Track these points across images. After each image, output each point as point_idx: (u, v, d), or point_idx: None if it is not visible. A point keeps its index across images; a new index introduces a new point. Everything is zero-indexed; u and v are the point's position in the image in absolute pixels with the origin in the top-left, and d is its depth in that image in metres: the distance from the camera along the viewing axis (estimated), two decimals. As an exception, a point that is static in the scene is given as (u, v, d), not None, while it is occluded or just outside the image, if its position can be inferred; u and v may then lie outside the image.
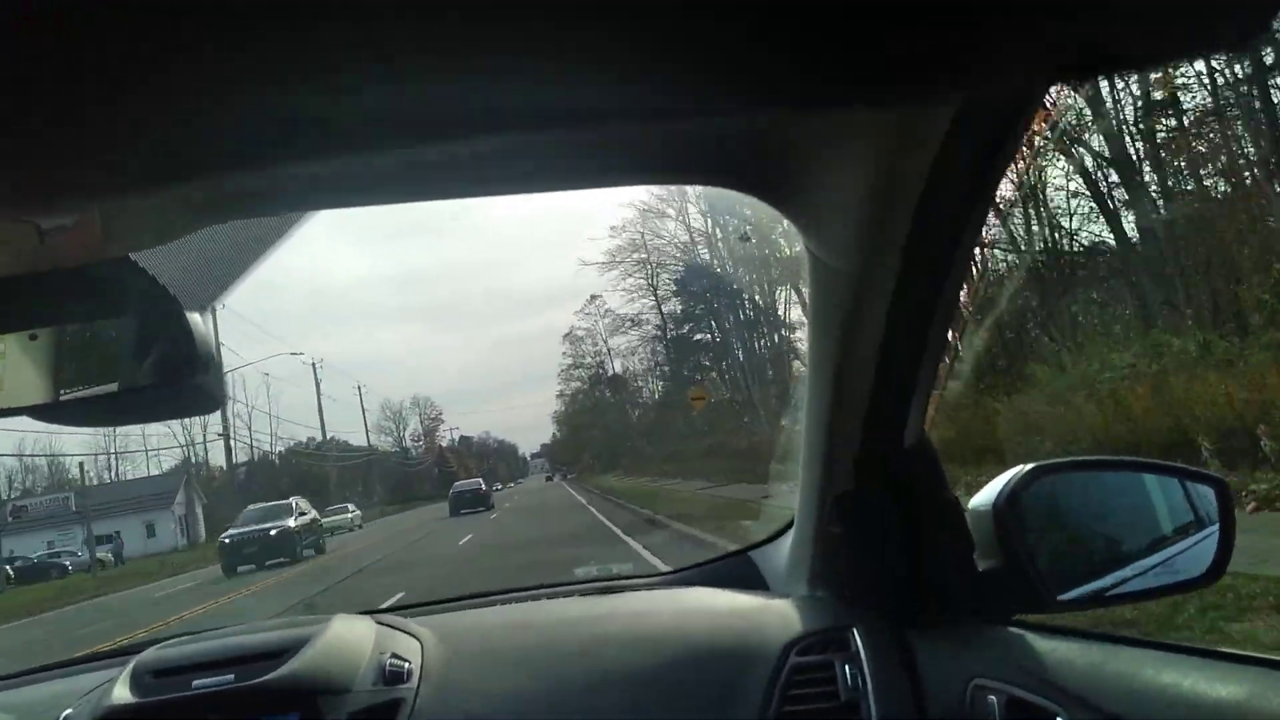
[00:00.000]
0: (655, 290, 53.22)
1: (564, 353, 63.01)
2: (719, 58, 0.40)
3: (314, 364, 52.64)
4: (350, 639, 1.64)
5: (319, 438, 64.81)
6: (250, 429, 57.00)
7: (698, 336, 53.87)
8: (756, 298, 41.89)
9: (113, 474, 57.45)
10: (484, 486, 38.06)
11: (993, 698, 1.27)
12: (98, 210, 0.75)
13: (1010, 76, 0.45)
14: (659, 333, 55.23)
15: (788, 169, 1.12)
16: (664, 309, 53.76)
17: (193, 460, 54.53)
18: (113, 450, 53.24)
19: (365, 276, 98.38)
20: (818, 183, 1.14)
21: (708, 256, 48.91)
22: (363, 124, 0.41)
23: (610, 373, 61.50)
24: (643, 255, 51.00)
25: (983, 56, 0.41)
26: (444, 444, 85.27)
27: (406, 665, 1.59)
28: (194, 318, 1.04)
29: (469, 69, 0.40)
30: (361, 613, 1.82)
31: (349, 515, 37.28)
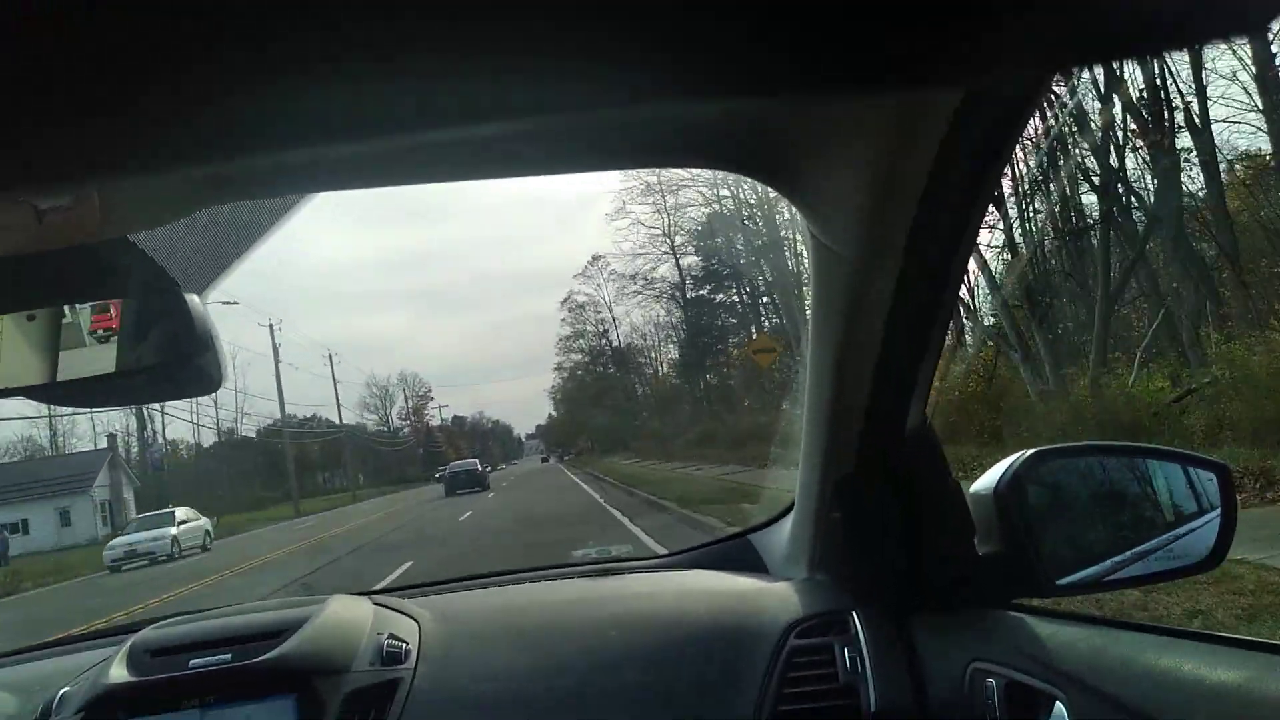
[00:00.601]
0: (672, 239, 47.69)
1: (563, 320, 57.86)
2: (721, 50, 0.40)
3: (270, 325, 45.31)
4: (348, 619, 1.64)
5: (300, 415, 61.41)
6: (216, 405, 53.39)
7: (719, 297, 48.22)
8: (800, 247, 30.30)
9: (53, 447, 51.98)
10: (480, 466, 37.92)
11: (991, 681, 1.27)
12: (95, 191, 0.75)
13: (1012, 67, 0.44)
14: (675, 293, 49.29)
15: (793, 155, 1.12)
16: (681, 264, 47.97)
17: (152, 440, 49.57)
18: (51, 415, 46.05)
19: (359, 259, 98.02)
20: (823, 169, 1.13)
21: (733, 205, 41.71)
22: (365, 111, 0.40)
23: (614, 344, 56.58)
24: (658, 200, 45.87)
25: (984, 47, 0.41)
26: (433, 422, 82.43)
27: (404, 646, 1.59)
28: (192, 299, 1.03)
29: (473, 58, 0.39)
30: (359, 593, 1.82)
31: (171, 533, 23.64)
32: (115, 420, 49.25)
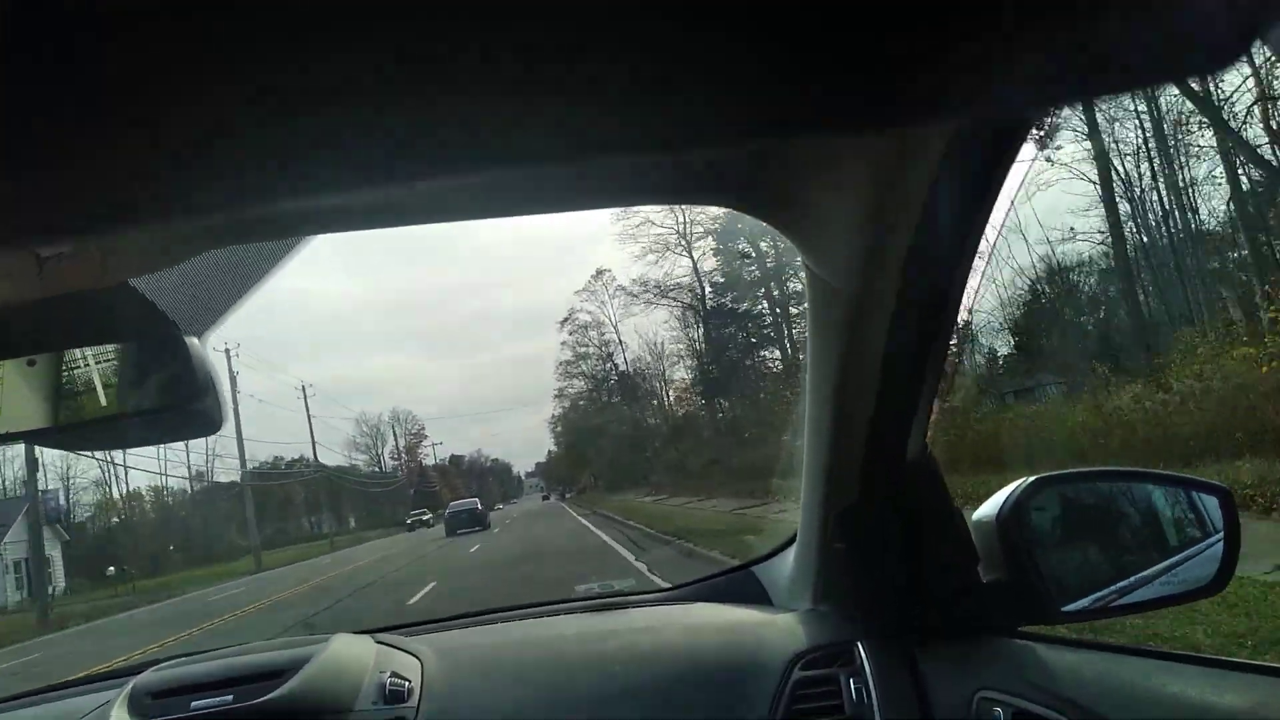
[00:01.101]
0: (687, 239, 42.07)
1: (563, 343, 52.14)
2: (718, 89, 0.40)
3: (226, 350, 39.18)
4: (350, 658, 1.63)
5: (288, 457, 59.12)
6: (187, 448, 49.68)
7: (744, 306, 42.18)
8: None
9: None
10: (480, 505, 37.56)
11: (999, 710, 1.26)
12: (95, 240, 0.75)
13: (1005, 101, 0.45)
14: (693, 300, 42.88)
15: (788, 189, 1.13)
16: (699, 268, 42.58)
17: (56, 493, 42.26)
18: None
19: (355, 301, 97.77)
20: (817, 202, 1.14)
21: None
22: (366, 157, 0.41)
23: (620, 367, 50.67)
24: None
25: (977, 83, 0.41)
26: (427, 461, 79.13)
27: (407, 684, 1.58)
28: (192, 342, 1.04)
29: (477, 115, 0.40)
30: (361, 632, 1.81)
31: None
32: (55, 461, 42.54)
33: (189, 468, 54.15)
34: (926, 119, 0.49)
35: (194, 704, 1.50)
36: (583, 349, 52.53)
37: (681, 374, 48.24)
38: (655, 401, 50.38)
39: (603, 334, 50.88)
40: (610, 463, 52.78)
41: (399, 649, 1.72)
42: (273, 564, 37.18)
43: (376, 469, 76.12)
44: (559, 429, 59.42)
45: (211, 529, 53.63)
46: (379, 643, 1.72)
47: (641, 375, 50.51)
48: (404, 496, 72.50)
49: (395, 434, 78.63)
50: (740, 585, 2.03)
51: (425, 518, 50.13)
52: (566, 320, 51.27)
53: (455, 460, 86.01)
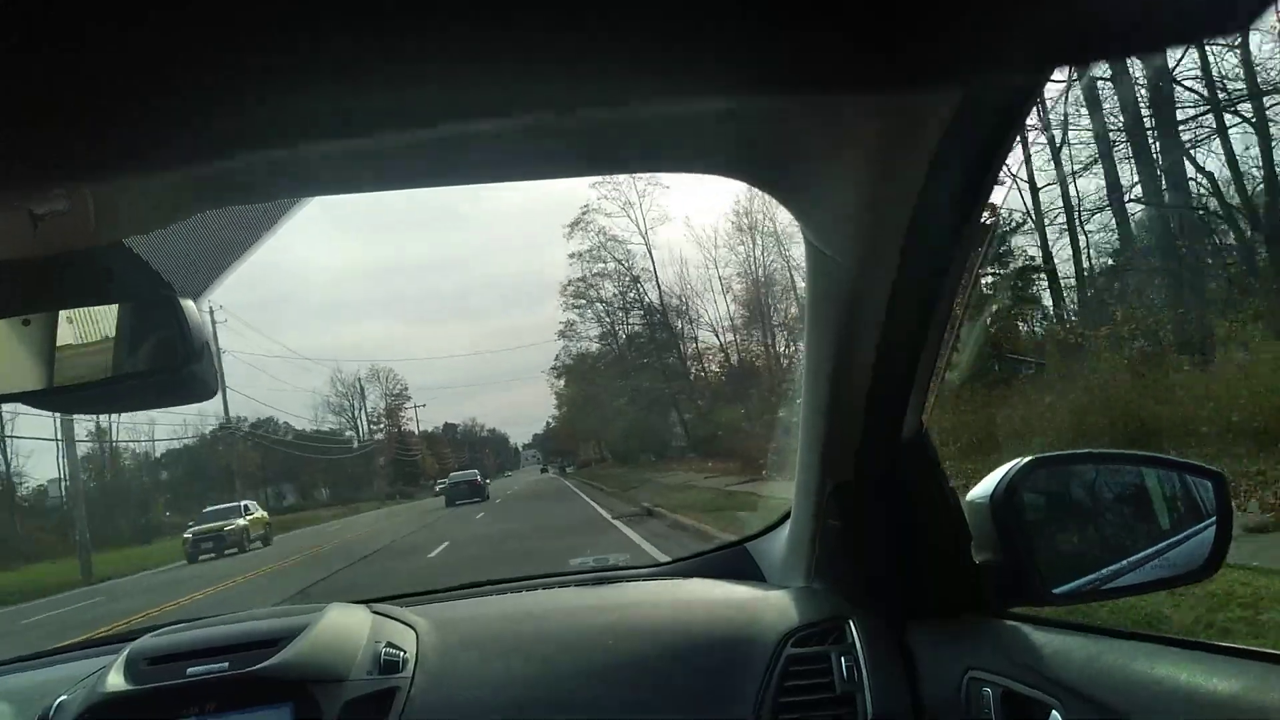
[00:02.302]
0: None
1: (573, 256, 38.42)
2: (719, 49, 0.40)
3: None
4: (345, 628, 1.64)
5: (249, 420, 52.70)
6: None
7: None
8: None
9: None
10: (479, 477, 38.02)
11: (988, 690, 1.27)
12: (90, 196, 0.75)
13: (1009, 64, 0.45)
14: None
15: (788, 160, 1.12)
16: None
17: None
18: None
19: (348, 268, 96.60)
20: (818, 174, 1.14)
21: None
22: (359, 110, 0.40)
23: (646, 300, 38.29)
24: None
25: (980, 45, 0.41)
26: (409, 426, 69.92)
27: (402, 654, 1.59)
28: (188, 305, 1.03)
29: (467, 58, 0.39)
30: (356, 601, 1.82)
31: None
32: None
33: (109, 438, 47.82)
34: (932, 80, 0.48)
35: (190, 670, 1.51)
36: (599, 265, 39.11)
37: (734, 308, 37.39)
38: (694, 346, 38.44)
39: (628, 250, 38.62)
40: (627, 429, 41.90)
41: (394, 619, 1.72)
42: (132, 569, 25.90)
43: (352, 433, 67.19)
44: (562, 381, 46.22)
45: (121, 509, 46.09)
46: (374, 613, 1.73)
47: (677, 311, 39.02)
48: (376, 469, 65.92)
49: (381, 394, 67.78)
50: (734, 561, 2.04)
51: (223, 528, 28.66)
52: (577, 224, 38.48)
53: (449, 428, 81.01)
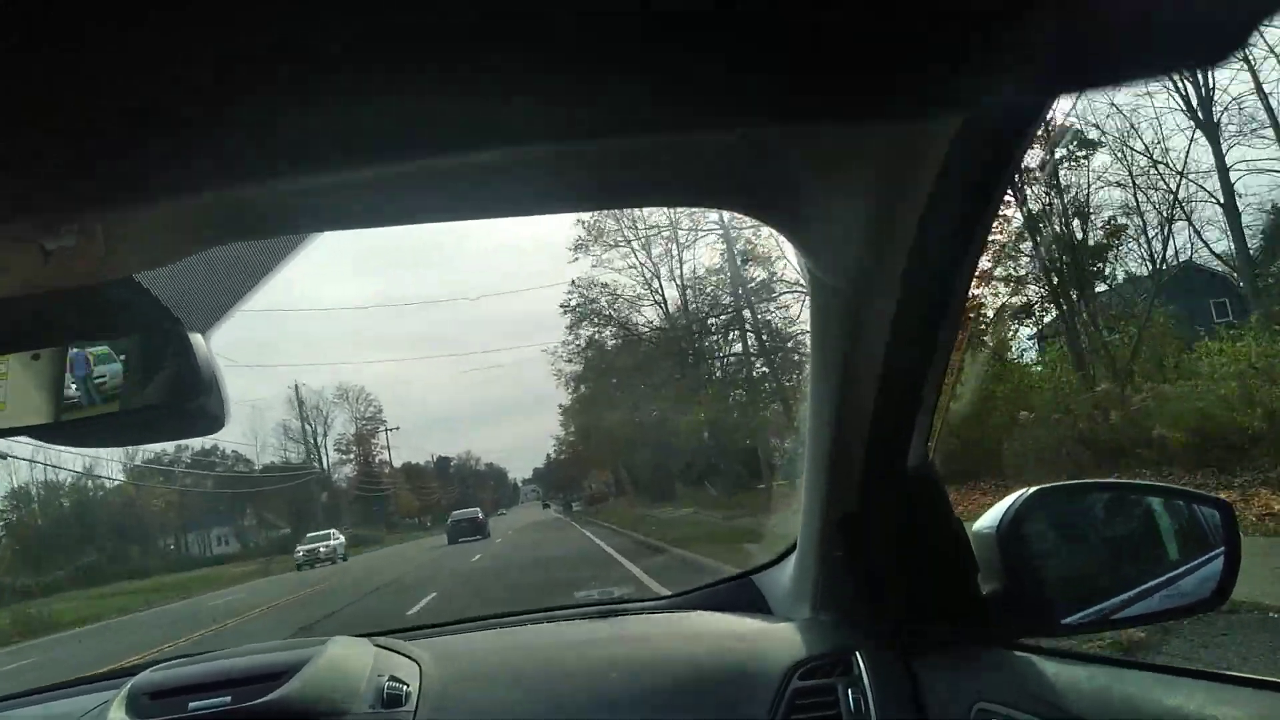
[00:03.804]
0: None
1: (576, 248, 29.33)
2: (720, 76, 0.40)
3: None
4: (348, 661, 1.63)
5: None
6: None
7: None
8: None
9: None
10: (481, 515, 37.74)
11: None
12: (100, 231, 0.76)
13: (1007, 91, 0.45)
14: None
15: (789, 192, 1.13)
16: None
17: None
18: None
19: (347, 303, 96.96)
20: (819, 204, 1.14)
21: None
22: (368, 138, 0.41)
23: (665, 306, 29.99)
24: None
25: (980, 73, 0.41)
26: (380, 456, 59.18)
27: (405, 688, 1.58)
28: (195, 339, 1.04)
29: (473, 90, 0.40)
30: (359, 635, 1.81)
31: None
32: None
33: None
34: (931, 108, 0.49)
35: (192, 705, 1.50)
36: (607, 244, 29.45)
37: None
38: (762, 337, 28.32)
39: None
40: (652, 459, 33.54)
41: (397, 653, 1.71)
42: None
43: (307, 463, 54.59)
44: (578, 391, 36.54)
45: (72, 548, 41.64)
46: (377, 646, 1.72)
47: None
48: (340, 506, 54.02)
49: (318, 423, 54.47)
50: (739, 593, 2.02)
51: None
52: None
53: (442, 462, 73.21)
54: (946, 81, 0.41)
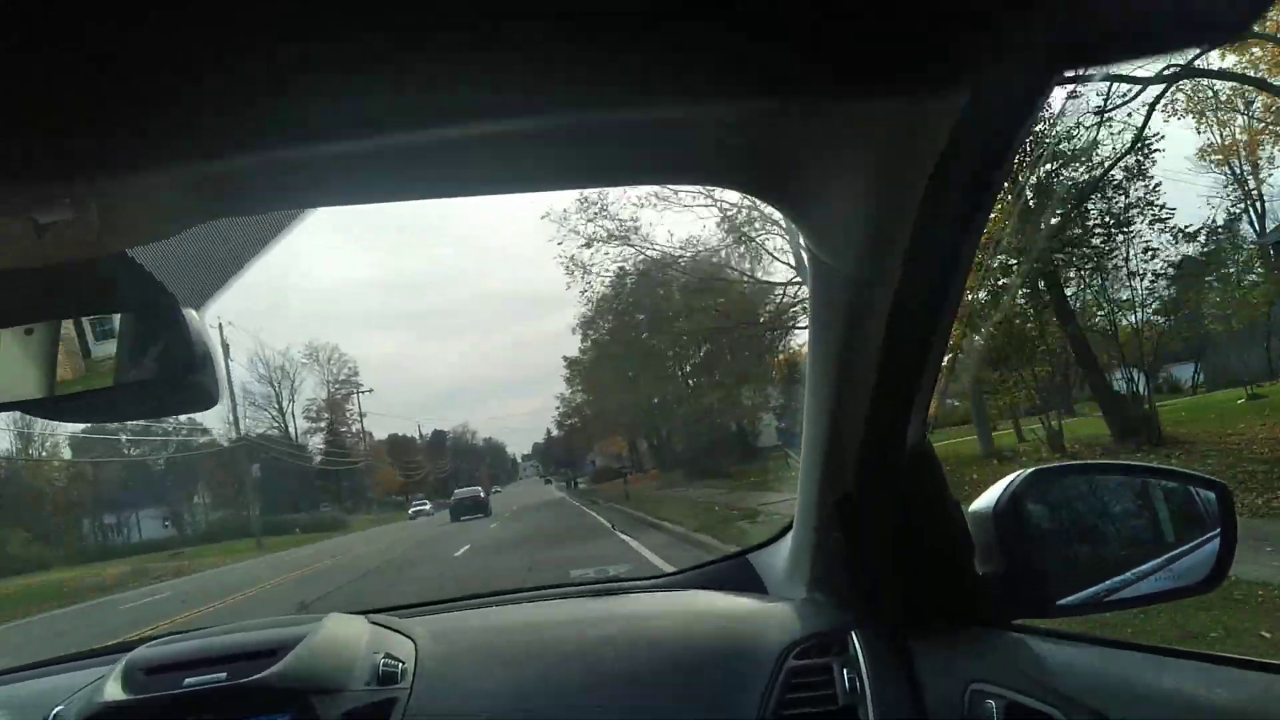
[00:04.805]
0: None
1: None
2: (725, 51, 0.40)
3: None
4: (344, 638, 1.63)
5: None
6: None
7: None
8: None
9: None
10: (482, 494, 38.49)
11: (991, 702, 1.26)
12: (95, 205, 0.75)
13: (1012, 69, 0.45)
14: None
15: (790, 170, 1.12)
16: None
17: None
18: None
19: (352, 280, 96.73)
20: (820, 183, 1.13)
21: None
22: (363, 112, 0.40)
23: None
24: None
25: (984, 49, 0.41)
26: (353, 425, 52.66)
27: (400, 665, 1.58)
28: (190, 314, 1.03)
29: (473, 61, 0.39)
30: (355, 613, 1.82)
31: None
32: None
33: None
34: (936, 85, 0.48)
35: (187, 680, 1.50)
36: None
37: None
38: None
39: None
40: (702, 426, 26.14)
41: (393, 630, 1.72)
42: None
43: (277, 430, 50.00)
44: (596, 335, 30.62)
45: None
46: (373, 623, 1.72)
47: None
48: (295, 488, 46.54)
49: (324, 380, 49.04)
50: (735, 573, 2.03)
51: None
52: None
53: (438, 435, 69.98)
54: (949, 57, 0.40)
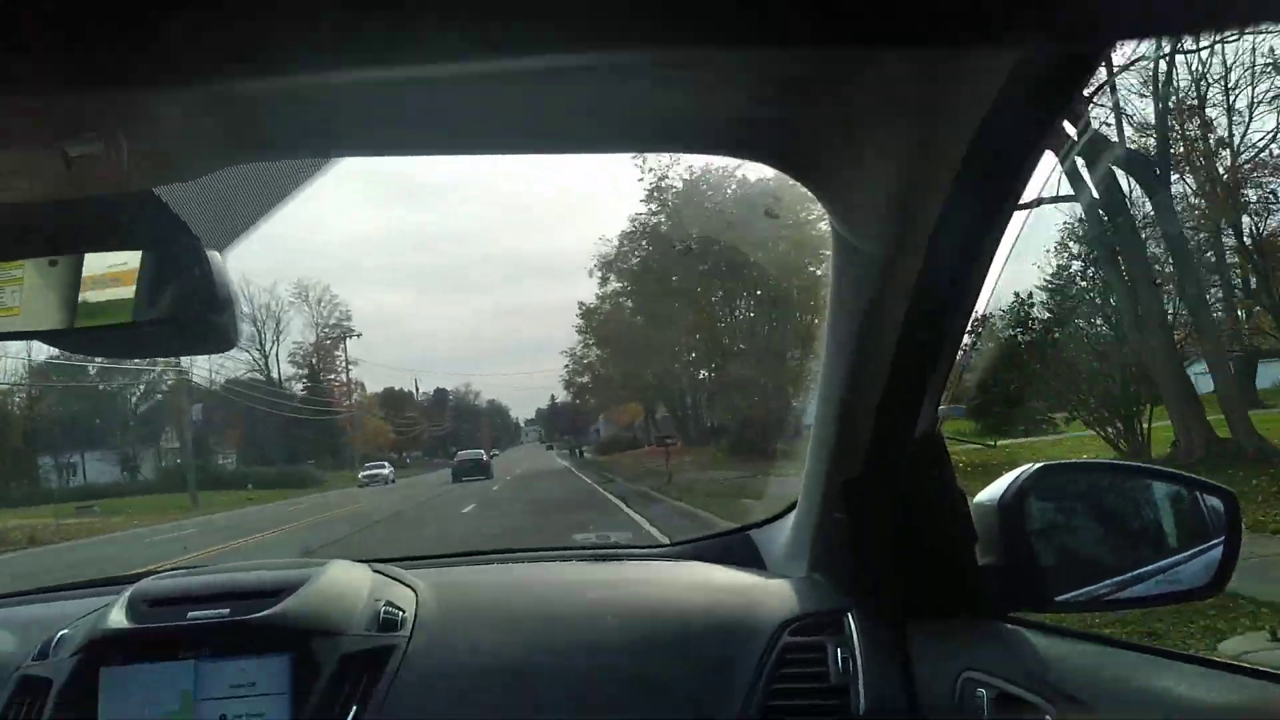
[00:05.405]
0: None
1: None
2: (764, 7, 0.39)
3: None
4: (346, 584, 1.65)
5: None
6: None
7: None
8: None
9: None
10: (486, 457, 38.54)
11: (982, 691, 1.27)
12: (124, 140, 0.75)
13: (1063, 31, 0.43)
14: None
15: (820, 146, 1.11)
16: None
17: None
18: None
19: (368, 234, 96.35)
20: (850, 163, 1.13)
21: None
22: (385, 38, 0.40)
23: None
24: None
25: (1035, 7, 0.39)
26: (339, 374, 49.37)
27: (401, 614, 1.60)
28: (213, 255, 1.04)
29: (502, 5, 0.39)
30: (359, 561, 1.84)
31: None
32: None
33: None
34: (983, 47, 0.47)
35: (190, 614, 1.53)
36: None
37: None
38: None
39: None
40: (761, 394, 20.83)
41: (395, 580, 1.74)
42: None
43: (259, 375, 45.49)
44: (617, 277, 26.62)
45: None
46: (375, 572, 1.74)
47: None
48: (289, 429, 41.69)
49: (313, 324, 45.82)
50: (735, 548, 2.04)
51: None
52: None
53: (440, 393, 68.14)
54: (998, 16, 0.39)
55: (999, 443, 14.57)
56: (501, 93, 0.89)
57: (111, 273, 1.07)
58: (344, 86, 0.79)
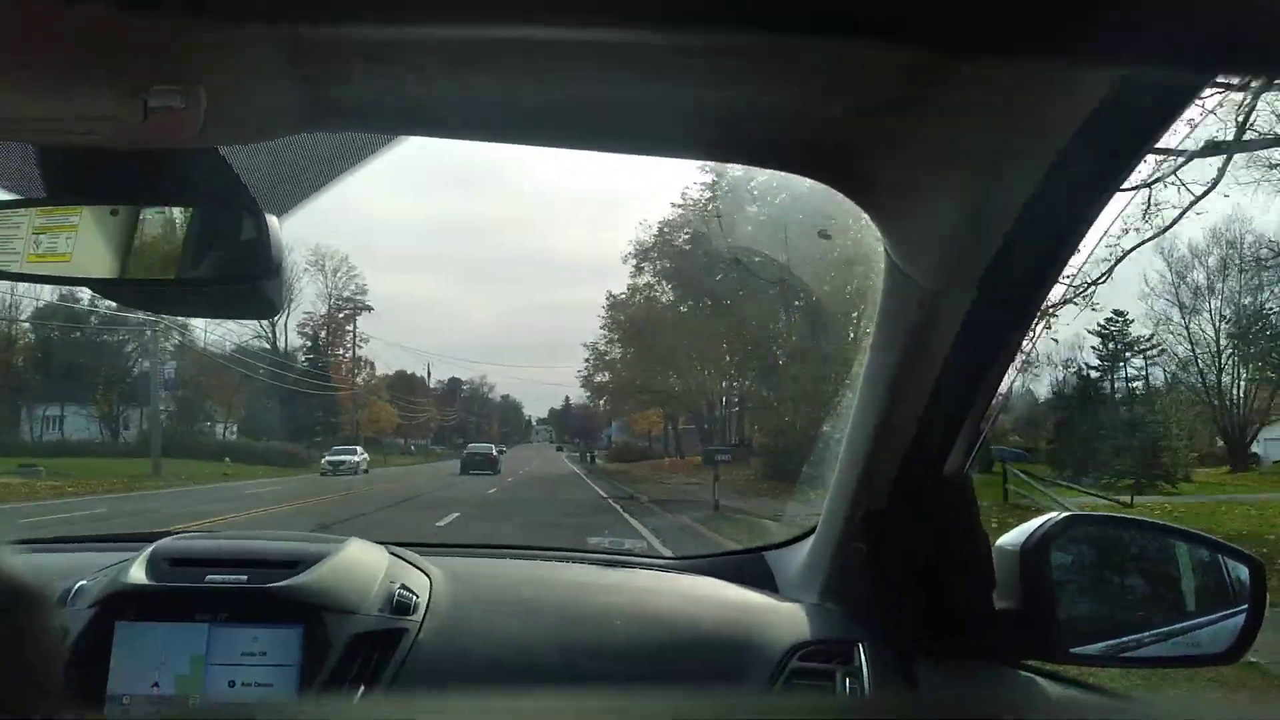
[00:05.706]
0: None
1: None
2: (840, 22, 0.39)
3: None
4: (364, 563, 1.66)
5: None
6: None
7: None
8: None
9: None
10: (494, 452, 38.71)
11: None
12: (204, 96, 0.76)
13: (1157, 65, 0.42)
14: None
15: (882, 169, 1.10)
16: None
17: None
18: None
19: (400, 218, 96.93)
20: (912, 190, 1.12)
21: None
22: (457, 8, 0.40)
23: None
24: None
25: (1127, 41, 0.39)
26: (346, 351, 47.53)
27: (415, 598, 1.61)
28: (271, 219, 1.05)
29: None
30: (377, 543, 1.85)
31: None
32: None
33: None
34: (1067, 77, 0.47)
35: (209, 577, 1.54)
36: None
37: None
38: None
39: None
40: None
41: (411, 564, 1.75)
42: None
43: (265, 342, 42.67)
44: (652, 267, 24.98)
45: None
46: (392, 554, 1.75)
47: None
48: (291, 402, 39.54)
49: (326, 293, 43.32)
50: (747, 567, 2.03)
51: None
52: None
53: (454, 382, 68.94)
54: (1088, 44, 0.39)
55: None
56: (573, 86, 0.90)
57: (166, 228, 1.09)
58: (425, 62, 0.80)
